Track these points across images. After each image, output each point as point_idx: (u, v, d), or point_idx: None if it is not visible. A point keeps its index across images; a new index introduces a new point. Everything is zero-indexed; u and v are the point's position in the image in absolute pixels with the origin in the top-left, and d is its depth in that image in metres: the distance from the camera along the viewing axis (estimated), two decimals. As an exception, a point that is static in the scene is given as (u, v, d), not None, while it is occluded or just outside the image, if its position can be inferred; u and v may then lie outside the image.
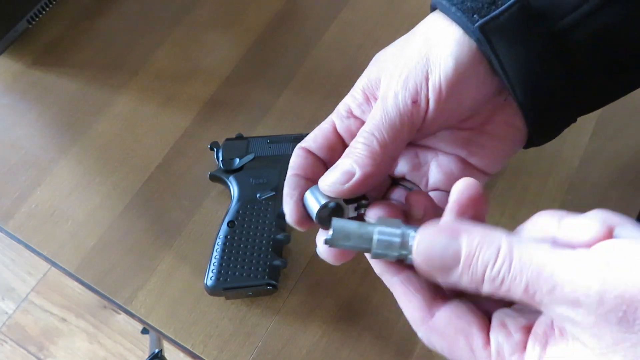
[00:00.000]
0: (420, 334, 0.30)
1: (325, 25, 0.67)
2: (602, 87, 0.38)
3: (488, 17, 0.33)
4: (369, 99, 0.37)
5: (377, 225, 0.30)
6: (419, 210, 0.34)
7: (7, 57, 0.66)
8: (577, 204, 0.56)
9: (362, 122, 0.36)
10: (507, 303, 0.29)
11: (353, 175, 0.33)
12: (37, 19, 0.67)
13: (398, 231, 0.29)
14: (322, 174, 0.35)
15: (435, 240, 0.27)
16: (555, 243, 0.26)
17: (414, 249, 0.28)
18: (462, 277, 0.26)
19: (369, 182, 0.33)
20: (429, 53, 0.35)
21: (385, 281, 0.32)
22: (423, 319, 0.29)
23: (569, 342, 0.25)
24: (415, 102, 0.34)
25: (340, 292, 0.53)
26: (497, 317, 0.28)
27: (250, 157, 0.56)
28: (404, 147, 0.35)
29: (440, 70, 0.34)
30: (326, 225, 0.33)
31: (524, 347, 0.26)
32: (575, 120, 0.39)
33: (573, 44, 0.34)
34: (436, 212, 0.34)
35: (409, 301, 0.30)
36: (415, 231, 0.29)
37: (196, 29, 0.68)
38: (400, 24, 0.67)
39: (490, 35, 0.33)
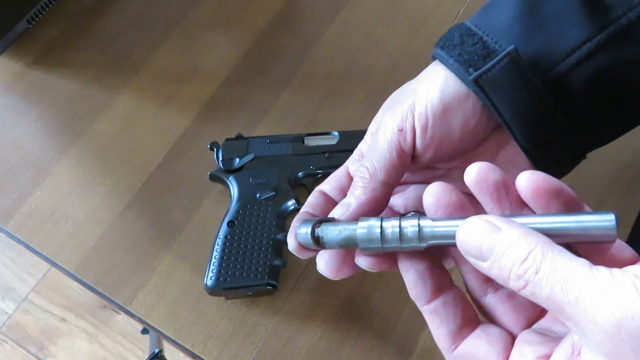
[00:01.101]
0: (445, 357, 0.31)
1: (325, 25, 0.67)
2: (604, 126, 0.39)
3: (481, 70, 0.36)
4: None
5: (359, 221, 0.32)
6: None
7: (7, 57, 0.66)
8: (577, 204, 0.56)
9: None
10: (532, 322, 0.31)
11: (350, 206, 0.36)
12: (37, 19, 0.67)
13: (378, 223, 0.31)
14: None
15: (478, 228, 0.28)
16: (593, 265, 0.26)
17: (459, 232, 0.29)
18: (492, 268, 0.27)
19: (364, 208, 0.36)
20: (418, 88, 0.38)
21: (419, 308, 0.32)
22: (447, 349, 0.31)
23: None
24: (401, 130, 0.37)
25: (340, 292, 0.53)
26: (518, 345, 0.29)
27: (250, 157, 0.56)
28: (399, 174, 0.37)
29: (427, 100, 0.37)
30: (319, 244, 0.34)
31: None
32: (585, 157, 0.40)
33: (569, 89, 0.36)
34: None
35: (435, 331, 0.31)
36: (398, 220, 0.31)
37: (196, 29, 0.68)
38: (400, 24, 0.67)
39: (485, 87, 0.36)
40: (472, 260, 0.28)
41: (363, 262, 0.33)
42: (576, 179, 0.58)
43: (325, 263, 0.35)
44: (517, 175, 0.36)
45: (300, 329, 0.52)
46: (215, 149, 0.57)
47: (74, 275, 0.54)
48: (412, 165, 0.39)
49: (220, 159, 0.56)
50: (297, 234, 0.35)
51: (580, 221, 0.28)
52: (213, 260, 0.51)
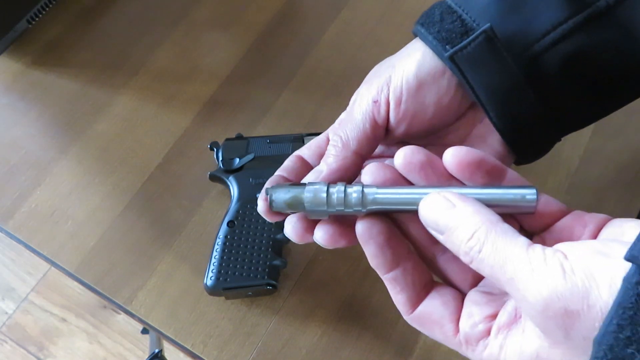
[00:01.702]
0: (405, 319, 0.34)
1: (325, 25, 0.67)
2: (578, 110, 0.40)
3: (457, 47, 0.37)
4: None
5: (305, 185, 0.34)
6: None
7: (7, 57, 0.66)
8: (577, 204, 0.56)
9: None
10: (478, 280, 0.33)
11: (321, 173, 0.38)
12: (37, 19, 0.67)
13: (324, 187, 0.33)
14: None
15: (437, 204, 0.30)
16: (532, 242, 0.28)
17: (421, 205, 0.31)
18: (446, 242, 0.30)
19: (334, 176, 0.37)
20: (396, 63, 0.39)
21: (380, 276, 0.34)
22: (406, 312, 0.33)
23: (524, 333, 0.28)
24: (375, 102, 0.38)
25: (340, 292, 0.53)
26: (467, 305, 0.32)
27: (250, 157, 0.56)
28: (372, 145, 0.39)
29: (403, 75, 0.38)
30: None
31: (488, 333, 0.30)
32: (559, 139, 0.41)
33: (543, 69, 0.37)
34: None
35: (395, 296, 0.34)
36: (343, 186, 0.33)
37: (196, 29, 0.68)
38: (400, 23, 0.67)
39: (460, 64, 0.37)
40: (432, 232, 0.31)
41: (320, 234, 0.35)
42: (576, 179, 0.58)
43: (291, 227, 0.36)
44: (487, 152, 0.38)
45: (300, 329, 0.52)
46: (215, 149, 0.57)
47: (74, 275, 0.54)
48: (386, 138, 0.40)
49: (220, 159, 0.56)
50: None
51: (505, 194, 0.31)
52: (213, 260, 0.51)
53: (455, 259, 0.32)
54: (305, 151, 0.41)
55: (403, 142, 0.41)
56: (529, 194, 0.31)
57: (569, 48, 0.36)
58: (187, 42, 0.67)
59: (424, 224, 0.31)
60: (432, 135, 0.41)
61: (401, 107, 0.38)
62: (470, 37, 0.36)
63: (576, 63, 0.37)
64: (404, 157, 0.33)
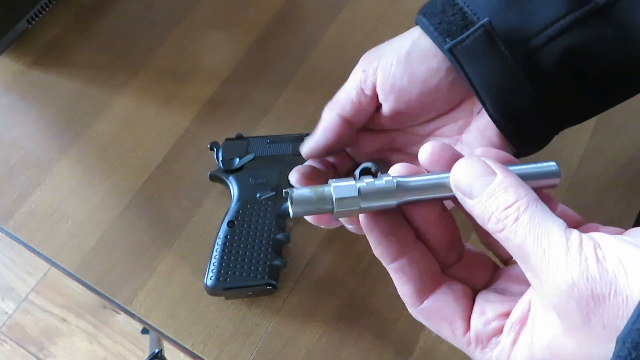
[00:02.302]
0: (410, 312, 0.33)
1: (325, 25, 0.67)
2: (576, 105, 0.40)
3: (456, 40, 0.37)
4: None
5: (331, 185, 0.31)
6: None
7: (7, 57, 0.66)
8: (577, 204, 0.56)
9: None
10: (492, 281, 0.33)
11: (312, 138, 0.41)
12: (37, 19, 0.67)
13: (355, 185, 0.30)
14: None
15: (476, 166, 0.29)
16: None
17: (455, 166, 0.30)
18: (476, 206, 0.29)
19: (322, 138, 0.41)
20: (394, 41, 0.41)
21: (385, 266, 0.33)
22: (413, 304, 0.32)
23: (536, 324, 0.27)
24: (364, 71, 0.41)
25: (340, 292, 0.53)
26: (479, 303, 0.31)
27: (250, 157, 0.56)
28: (360, 113, 0.41)
29: (395, 50, 0.40)
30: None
31: (501, 331, 0.29)
32: (557, 133, 0.41)
33: (541, 63, 0.37)
34: None
35: (400, 287, 0.32)
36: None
37: (196, 29, 0.68)
38: (400, 23, 0.67)
39: (459, 57, 0.37)
40: (459, 195, 0.30)
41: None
42: (576, 179, 0.58)
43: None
44: (485, 144, 0.39)
45: (300, 329, 0.52)
46: (215, 149, 0.57)
47: (74, 275, 0.54)
48: (377, 112, 0.42)
49: (220, 159, 0.56)
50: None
51: (531, 169, 0.31)
52: (213, 260, 0.51)
53: (470, 264, 0.31)
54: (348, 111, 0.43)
55: (398, 130, 0.43)
56: (552, 166, 0.32)
57: (567, 43, 0.36)
58: (187, 42, 0.67)
59: (453, 184, 0.30)
60: (429, 126, 0.42)
61: (388, 80, 0.39)
62: (469, 31, 0.37)
63: (574, 58, 0.37)
64: (431, 152, 0.32)
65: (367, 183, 0.30)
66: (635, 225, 0.55)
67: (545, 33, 0.37)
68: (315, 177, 0.41)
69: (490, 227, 0.28)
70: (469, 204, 0.29)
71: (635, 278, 0.24)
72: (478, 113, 0.40)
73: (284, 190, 0.31)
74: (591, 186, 0.57)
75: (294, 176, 0.41)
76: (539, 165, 0.32)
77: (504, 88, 0.37)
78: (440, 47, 0.38)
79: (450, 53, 0.37)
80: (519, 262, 0.28)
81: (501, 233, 0.27)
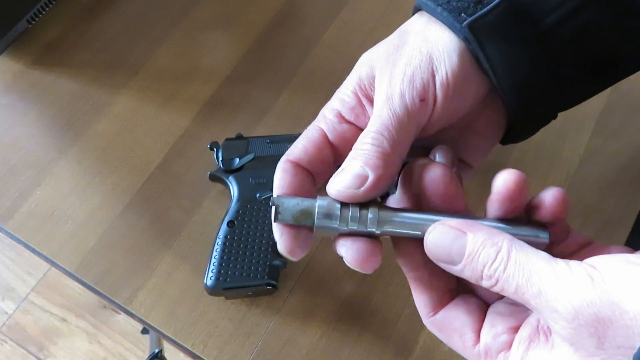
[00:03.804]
0: (423, 321, 0.33)
1: (325, 25, 0.67)
2: (580, 85, 0.38)
3: (476, 15, 0.33)
4: (362, 103, 0.36)
5: (317, 200, 0.31)
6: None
7: (7, 57, 0.66)
8: (577, 204, 0.56)
9: (358, 128, 0.35)
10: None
11: (366, 178, 0.31)
12: (37, 19, 0.67)
13: (338, 205, 0.31)
14: (313, 192, 0.34)
15: (445, 235, 0.29)
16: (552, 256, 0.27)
17: (426, 240, 0.30)
18: (464, 271, 0.29)
19: (382, 184, 0.32)
20: (432, 51, 0.34)
21: (404, 272, 0.33)
22: (427, 315, 0.32)
23: (553, 350, 0.27)
24: (423, 100, 0.33)
25: (340, 292, 0.53)
26: (490, 316, 0.31)
27: (250, 157, 0.56)
28: (409, 147, 0.34)
29: (446, 66, 0.34)
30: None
31: (510, 346, 0.29)
32: (555, 117, 0.39)
33: (557, 42, 0.35)
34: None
35: (417, 296, 0.33)
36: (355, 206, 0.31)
37: (196, 29, 0.68)
38: (400, 23, 0.67)
39: (479, 34, 0.33)
40: (443, 265, 0.30)
41: (348, 250, 0.31)
42: (576, 179, 0.58)
43: (285, 240, 0.32)
44: (494, 134, 0.38)
45: (300, 329, 0.52)
46: (215, 149, 0.57)
47: (74, 275, 0.54)
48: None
49: (220, 159, 0.56)
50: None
51: (519, 231, 0.31)
52: (213, 260, 0.51)
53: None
54: (302, 156, 0.35)
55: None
56: (542, 234, 0.31)
57: (580, 20, 0.35)
58: (187, 42, 0.67)
59: (432, 258, 0.30)
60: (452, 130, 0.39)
61: (446, 104, 0.34)
62: (492, 5, 0.33)
63: (585, 36, 0.35)
64: (515, 184, 0.30)
65: (351, 207, 0.31)
66: (635, 225, 0.55)
67: (561, 9, 0.34)
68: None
69: (484, 284, 0.28)
70: (457, 270, 0.29)
71: (638, 295, 0.24)
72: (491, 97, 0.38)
73: (271, 198, 0.32)
74: (591, 186, 0.57)
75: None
76: (528, 229, 0.31)
77: (524, 67, 0.34)
78: (453, 27, 0.34)
79: (470, 30, 0.33)
80: (524, 304, 0.27)
81: (496, 286, 0.28)
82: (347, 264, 0.32)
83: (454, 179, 0.32)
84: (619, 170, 0.58)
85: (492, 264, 0.27)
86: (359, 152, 0.32)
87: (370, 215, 0.31)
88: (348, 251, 0.32)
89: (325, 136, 0.36)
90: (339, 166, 0.34)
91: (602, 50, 0.36)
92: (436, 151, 0.37)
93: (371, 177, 0.31)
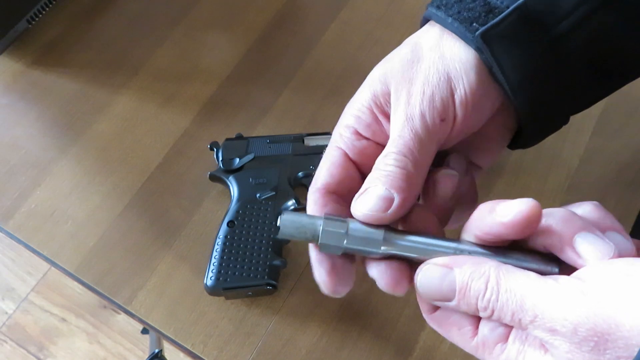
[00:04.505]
0: (424, 317, 0.33)
1: (325, 25, 0.67)
2: (591, 89, 0.38)
3: (489, 24, 0.33)
4: (377, 119, 0.36)
5: (323, 217, 0.32)
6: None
7: (7, 57, 0.66)
8: (577, 204, 0.56)
9: (376, 144, 0.36)
10: None
11: (392, 201, 0.31)
12: (37, 19, 0.67)
13: (344, 224, 0.31)
14: (346, 211, 0.34)
15: (432, 274, 0.30)
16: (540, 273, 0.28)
17: (417, 283, 0.31)
18: (460, 306, 0.29)
19: (407, 206, 0.32)
20: (449, 69, 0.34)
21: None
22: (427, 311, 0.32)
23: (546, 356, 0.27)
24: (443, 119, 0.33)
25: (340, 292, 0.53)
26: None
27: (250, 157, 0.56)
28: (430, 165, 0.34)
29: (464, 85, 0.34)
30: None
31: (507, 338, 0.29)
32: (567, 122, 0.39)
33: (569, 47, 0.35)
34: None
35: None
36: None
37: (196, 29, 0.68)
38: (400, 24, 0.67)
39: (492, 44, 0.33)
40: (439, 303, 0.30)
41: (381, 275, 0.32)
42: (576, 179, 0.58)
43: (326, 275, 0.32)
44: (504, 138, 0.38)
45: (300, 329, 0.52)
46: (215, 149, 0.57)
47: (74, 275, 0.54)
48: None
49: (220, 159, 0.56)
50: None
51: (528, 263, 0.30)
52: (213, 260, 0.51)
53: None
54: (329, 180, 0.35)
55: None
56: (553, 269, 0.30)
57: (591, 27, 0.34)
58: (187, 42, 0.67)
59: (428, 299, 0.31)
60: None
61: (465, 121, 0.34)
62: (504, 14, 0.33)
63: (596, 43, 0.35)
64: (531, 217, 0.29)
65: (357, 225, 0.31)
66: (636, 225, 0.55)
67: (573, 16, 0.34)
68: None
69: (482, 315, 0.29)
70: (453, 306, 0.30)
71: (632, 305, 0.24)
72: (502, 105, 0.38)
73: (280, 214, 0.32)
74: (591, 186, 0.57)
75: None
76: (536, 263, 0.30)
77: (536, 75, 0.34)
78: (464, 37, 0.34)
79: (483, 40, 0.33)
80: (522, 330, 0.28)
81: (493, 316, 0.28)
82: (380, 288, 0.32)
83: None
84: (619, 170, 0.58)
85: (484, 295, 0.28)
86: (382, 174, 0.32)
87: (377, 237, 0.31)
88: (382, 276, 0.32)
89: (346, 155, 0.36)
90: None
91: (613, 55, 0.36)
92: (450, 160, 0.37)
93: (397, 200, 0.32)
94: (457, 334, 0.31)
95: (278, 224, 0.32)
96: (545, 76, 0.35)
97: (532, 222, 0.29)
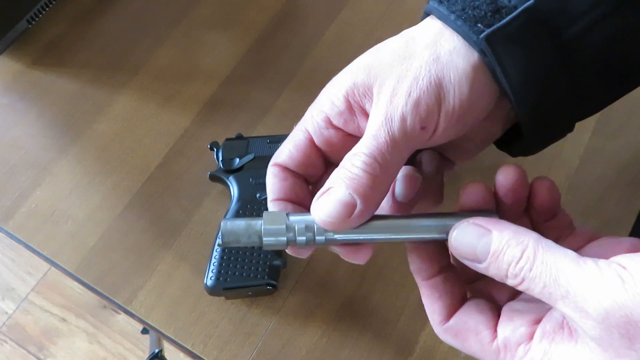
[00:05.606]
0: (436, 332, 0.32)
1: (325, 25, 0.67)
2: (598, 95, 0.37)
3: (495, 27, 0.31)
4: (352, 109, 0.34)
5: (262, 218, 0.32)
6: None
7: (7, 57, 0.66)
8: (577, 204, 0.56)
9: (344, 134, 0.35)
10: (515, 295, 0.33)
11: (354, 207, 0.30)
12: (37, 19, 0.67)
13: (283, 221, 0.31)
14: (306, 193, 0.34)
15: (470, 233, 0.29)
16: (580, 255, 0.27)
17: (451, 238, 0.30)
18: (489, 269, 0.29)
19: (371, 212, 0.31)
20: (442, 76, 0.32)
21: (416, 281, 0.33)
22: (440, 322, 0.32)
23: (577, 345, 0.27)
24: (424, 128, 0.32)
25: (340, 292, 0.53)
26: (506, 312, 0.31)
27: (250, 157, 0.56)
28: (400, 169, 0.33)
29: (454, 97, 0.32)
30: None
31: (531, 337, 0.28)
32: (572, 130, 0.37)
33: (580, 52, 0.33)
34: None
35: (431, 304, 0.32)
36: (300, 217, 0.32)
37: (196, 29, 0.68)
38: (401, 24, 0.67)
39: (497, 47, 0.31)
40: (467, 263, 0.30)
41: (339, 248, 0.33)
42: (576, 179, 0.58)
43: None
44: (485, 140, 0.37)
45: (300, 329, 0.52)
46: (215, 149, 0.57)
47: (74, 275, 0.54)
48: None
49: (220, 159, 0.56)
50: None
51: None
52: (213, 260, 0.51)
53: (493, 279, 0.31)
54: (288, 161, 0.34)
55: None
56: (492, 215, 0.32)
57: (601, 32, 0.32)
58: (187, 42, 0.67)
59: (457, 256, 0.30)
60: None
61: (447, 131, 0.33)
62: (512, 15, 0.31)
63: (610, 45, 0.33)
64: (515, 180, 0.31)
65: (296, 218, 0.31)
66: (635, 225, 0.55)
67: (584, 20, 0.32)
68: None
69: (510, 282, 0.28)
70: (481, 268, 0.29)
71: None
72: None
73: (222, 222, 0.32)
74: (591, 186, 0.57)
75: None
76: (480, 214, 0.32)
77: (542, 82, 0.32)
78: (468, 38, 0.32)
79: (487, 43, 0.31)
80: (549, 304, 0.27)
81: (522, 285, 0.27)
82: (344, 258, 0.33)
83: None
84: (619, 170, 0.58)
85: (517, 262, 0.27)
86: (348, 175, 0.31)
87: (316, 227, 0.31)
88: (340, 248, 0.33)
89: (311, 140, 0.35)
90: (330, 165, 0.34)
91: (627, 60, 0.35)
92: (422, 156, 0.36)
93: (360, 207, 0.30)
94: (475, 340, 0.30)
95: (219, 234, 0.32)
96: (552, 83, 0.33)
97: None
